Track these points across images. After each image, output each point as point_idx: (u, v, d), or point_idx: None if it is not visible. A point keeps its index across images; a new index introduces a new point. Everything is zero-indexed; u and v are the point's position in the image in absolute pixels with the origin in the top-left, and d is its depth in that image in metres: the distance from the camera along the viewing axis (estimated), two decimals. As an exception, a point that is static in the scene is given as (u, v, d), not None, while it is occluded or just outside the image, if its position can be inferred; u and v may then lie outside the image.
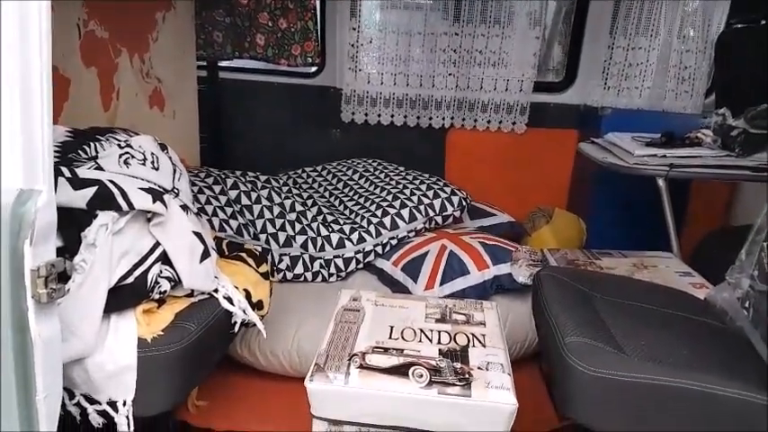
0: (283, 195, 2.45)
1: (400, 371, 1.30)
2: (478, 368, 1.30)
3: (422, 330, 1.46)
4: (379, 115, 3.06)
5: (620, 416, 1.19)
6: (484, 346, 1.41)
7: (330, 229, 2.35)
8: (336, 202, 2.63)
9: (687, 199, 2.66)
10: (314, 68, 3.09)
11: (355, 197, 2.60)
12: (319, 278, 2.28)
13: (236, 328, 1.49)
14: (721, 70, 2.49)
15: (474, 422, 1.24)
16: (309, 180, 2.84)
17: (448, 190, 2.46)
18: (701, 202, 2.68)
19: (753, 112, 1.93)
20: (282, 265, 2.24)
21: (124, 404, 1.24)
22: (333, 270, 2.28)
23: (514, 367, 1.38)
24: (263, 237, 2.29)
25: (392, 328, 1.48)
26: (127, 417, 1.24)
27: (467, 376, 1.27)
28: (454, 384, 1.25)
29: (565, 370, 1.19)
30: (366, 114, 3.07)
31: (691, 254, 2.21)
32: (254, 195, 2.39)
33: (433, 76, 2.98)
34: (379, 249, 2.32)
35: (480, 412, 1.23)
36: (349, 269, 2.30)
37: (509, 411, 1.23)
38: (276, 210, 2.37)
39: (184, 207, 1.43)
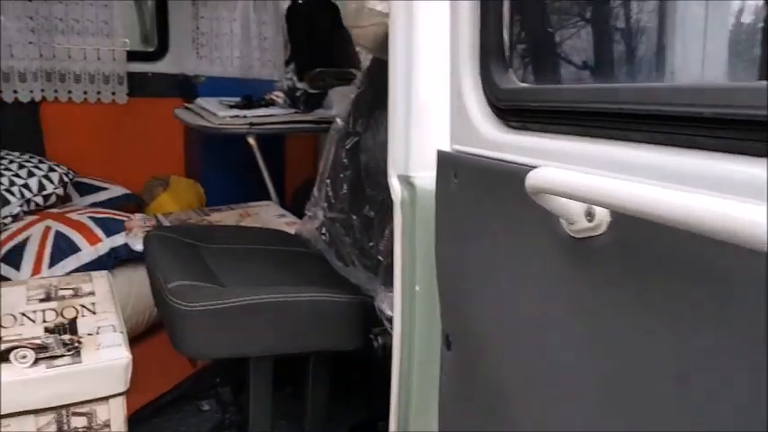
0: None
1: (1, 357, 1.23)
2: (89, 334, 1.33)
3: (23, 314, 1.40)
4: (-54, 91, 2.60)
5: (225, 340, 1.38)
6: (94, 313, 1.43)
7: None
8: None
9: (283, 154, 3.05)
10: None
11: (-75, 190, 2.19)
12: None
13: None
14: (292, 40, 2.90)
15: (91, 386, 1.27)
16: None
17: (44, 167, 2.28)
18: (294, 157, 3.11)
19: (309, 75, 2.35)
20: None
21: None
22: None
23: (149, 333, 1.44)
24: None
25: (-13, 319, 1.37)
26: None
27: (76, 345, 1.28)
28: (63, 356, 1.25)
29: (171, 312, 1.31)
30: (-72, 91, 2.57)
31: (290, 200, 2.59)
32: None
33: (10, 45, 2.65)
34: (-34, 244, 2.04)
35: (94, 374, 1.27)
36: (-70, 273, 1.96)
37: (123, 366, 1.30)
38: None
39: None
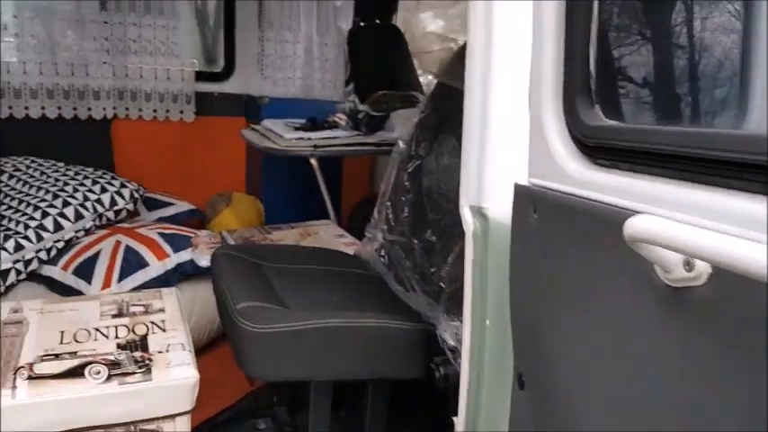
0: None
1: (76, 372, 1.27)
2: (159, 352, 1.36)
3: (97, 329, 1.45)
4: (27, 108, 2.75)
5: (289, 363, 1.39)
6: (164, 330, 1.47)
7: (-24, 242, 2.06)
8: (-19, 210, 2.30)
9: (340, 174, 3.09)
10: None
11: (6, 200, 2.31)
12: (-31, 299, 1.99)
13: None
14: (353, 62, 2.95)
15: (160, 403, 1.30)
16: (-59, 187, 2.40)
17: (117, 183, 2.38)
18: (351, 177, 3.14)
19: (372, 98, 2.38)
20: None
21: None
22: (-13, 287, 2.02)
23: (211, 347, 1.47)
24: None
25: (63, 332, 1.42)
26: None
27: (147, 362, 1.32)
28: (134, 373, 1.29)
29: (239, 333, 1.33)
30: (10, 108, 2.72)
31: (347, 220, 2.61)
32: None
33: (86, 65, 2.80)
34: (43, 255, 2.13)
35: (163, 392, 1.30)
36: (8, 282, 2.06)
37: (191, 385, 1.32)
38: None
39: None
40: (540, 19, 0.84)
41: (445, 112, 1.68)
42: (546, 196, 0.84)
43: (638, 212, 0.66)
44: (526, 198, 0.88)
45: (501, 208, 0.95)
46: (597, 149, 0.77)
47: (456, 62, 1.62)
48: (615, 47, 0.85)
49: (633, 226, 0.61)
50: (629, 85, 0.86)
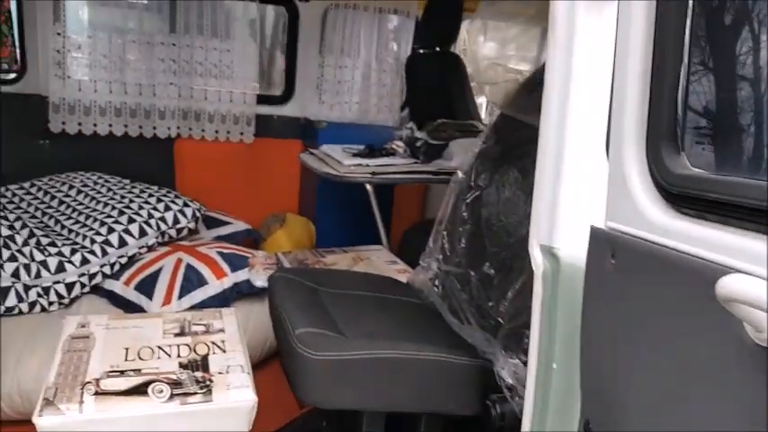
0: (-18, 220, 2.16)
1: (139, 390, 1.31)
2: (219, 373, 1.39)
3: (160, 347, 1.48)
4: (95, 125, 2.88)
5: (345, 391, 1.39)
6: (224, 351, 1.49)
7: (46, 253, 2.15)
8: (51, 222, 2.41)
9: (392, 199, 3.10)
10: (12, 75, 2.75)
11: (74, 215, 2.41)
12: (37, 308, 2.07)
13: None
14: (410, 88, 2.98)
15: (218, 424, 1.32)
16: (15, 199, 2.53)
17: (180, 202, 2.45)
18: (403, 202, 3.15)
19: (431, 126, 2.39)
20: (-12, 300, 1.98)
21: None
22: (53, 298, 2.10)
23: (260, 366, 1.49)
24: (-41, 270, 1.99)
25: (128, 349, 1.46)
26: None
27: (208, 383, 1.34)
28: (195, 393, 1.31)
29: (296, 359, 1.34)
30: (80, 124, 2.85)
31: (397, 245, 2.62)
32: (-58, 223, 2.05)
33: (154, 85, 2.91)
34: (107, 270, 2.21)
35: (222, 414, 1.31)
36: (73, 295, 2.14)
37: (249, 408, 1.34)
38: (-26, 237, 2.08)
39: None
40: (624, 60, 0.83)
41: (508, 144, 1.67)
42: (625, 241, 0.82)
43: (727, 267, 0.64)
44: (603, 242, 0.86)
45: (573, 250, 0.93)
46: (682, 198, 0.75)
47: (521, 94, 1.61)
48: (704, 90, 0.83)
49: (727, 286, 0.59)
50: (716, 131, 0.83)
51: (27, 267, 2.10)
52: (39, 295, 2.07)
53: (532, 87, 1.52)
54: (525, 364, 1.30)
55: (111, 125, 2.90)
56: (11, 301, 2.02)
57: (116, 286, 2.19)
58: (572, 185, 0.94)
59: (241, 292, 2.17)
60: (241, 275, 2.17)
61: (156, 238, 2.34)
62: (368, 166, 2.35)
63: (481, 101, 3.12)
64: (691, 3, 0.74)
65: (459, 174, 1.80)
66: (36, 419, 1.22)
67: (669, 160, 0.77)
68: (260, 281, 2.16)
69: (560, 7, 0.90)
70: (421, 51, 3.00)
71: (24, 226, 2.27)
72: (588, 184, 0.92)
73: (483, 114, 3.10)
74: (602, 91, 0.90)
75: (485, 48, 1.66)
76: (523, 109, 1.56)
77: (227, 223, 2.72)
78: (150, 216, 2.34)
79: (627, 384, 0.83)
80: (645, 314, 0.80)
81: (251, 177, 3.15)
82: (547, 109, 0.96)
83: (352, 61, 3.09)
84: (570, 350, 0.95)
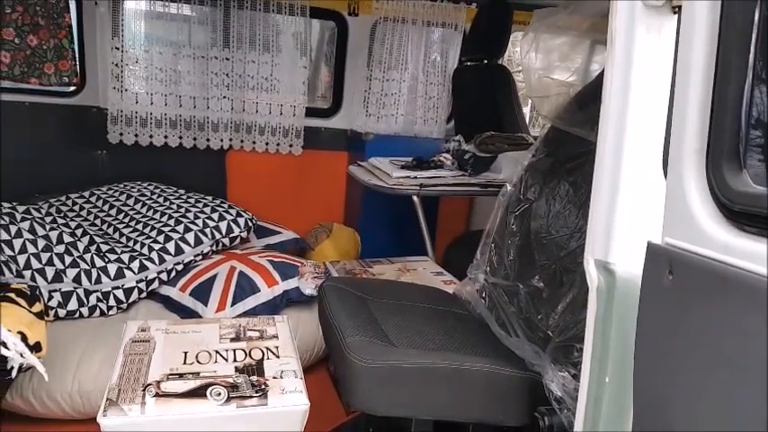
0: (48, 226, 2.27)
1: (198, 393, 1.36)
2: (273, 378, 1.43)
3: (217, 351, 1.54)
4: (151, 136, 2.99)
5: (395, 399, 1.41)
6: (278, 357, 1.53)
7: (106, 260, 2.25)
8: (110, 230, 2.52)
9: (437, 210, 3.12)
10: (72, 87, 2.90)
11: (132, 223, 2.52)
12: (97, 312, 2.17)
13: (14, 374, 1.39)
14: (456, 100, 2.99)
15: (273, 426, 1.36)
16: (76, 207, 2.65)
17: (233, 212, 2.53)
18: (448, 213, 3.16)
19: (479, 139, 2.40)
20: (53, 302, 2.09)
21: None
22: (112, 302, 2.20)
23: (307, 371, 1.53)
24: (27, 273, 2.11)
25: (186, 353, 1.52)
26: None
27: (263, 387, 1.38)
28: (251, 396, 1.36)
29: (347, 365, 1.37)
30: (136, 135, 2.97)
31: (442, 256, 2.63)
32: (13, 229, 2.17)
33: (207, 98, 3.02)
34: (163, 276, 2.30)
35: (277, 417, 1.35)
36: (131, 300, 2.24)
37: (302, 411, 1.38)
38: (41, 243, 2.19)
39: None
40: (684, 76, 0.83)
41: (559, 158, 1.67)
42: (684, 258, 0.82)
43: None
44: (661, 257, 0.86)
45: (629, 265, 0.93)
46: (743, 215, 0.75)
47: (573, 108, 1.61)
48: (766, 106, 0.82)
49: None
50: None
51: (88, 273, 2.20)
52: (98, 300, 2.17)
53: (585, 101, 1.53)
54: (574, 377, 1.30)
55: (166, 137, 3.02)
56: (72, 305, 2.12)
57: (172, 292, 2.27)
58: (628, 201, 0.94)
59: (290, 300, 2.22)
60: (291, 283, 2.23)
61: (211, 246, 2.42)
62: (416, 178, 2.38)
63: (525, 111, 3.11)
64: (756, 16, 0.74)
65: (509, 186, 1.81)
66: (100, 419, 1.28)
67: (731, 177, 0.77)
68: (309, 289, 2.21)
69: (620, 26, 0.91)
70: (468, 64, 3.02)
71: (85, 233, 2.38)
72: (645, 199, 0.92)
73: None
74: (660, 107, 0.90)
75: (537, 61, 1.67)
76: (576, 123, 1.56)
77: (277, 232, 2.79)
78: (205, 225, 2.42)
79: (679, 403, 0.83)
80: (702, 332, 0.79)
81: (299, 188, 3.22)
82: (605, 124, 0.97)
83: (399, 74, 3.13)
84: (624, 365, 0.95)
